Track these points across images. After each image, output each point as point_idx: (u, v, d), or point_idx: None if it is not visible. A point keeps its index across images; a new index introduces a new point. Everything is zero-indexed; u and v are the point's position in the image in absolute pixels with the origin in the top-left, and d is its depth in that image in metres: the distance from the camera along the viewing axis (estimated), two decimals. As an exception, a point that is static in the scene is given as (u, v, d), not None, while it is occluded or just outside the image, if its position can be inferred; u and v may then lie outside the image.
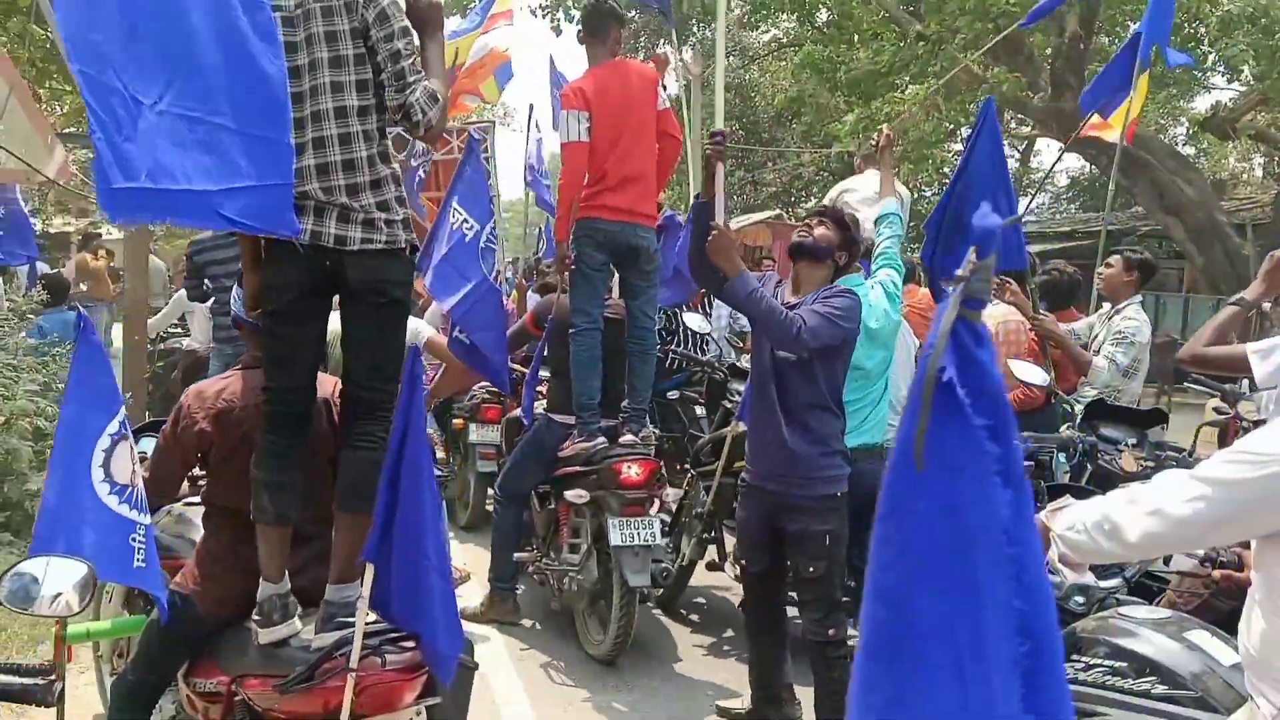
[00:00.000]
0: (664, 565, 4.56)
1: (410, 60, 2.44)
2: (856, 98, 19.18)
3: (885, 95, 19.18)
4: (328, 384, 2.65)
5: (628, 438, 4.51)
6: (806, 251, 3.52)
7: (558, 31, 18.38)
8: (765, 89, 25.49)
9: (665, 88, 4.83)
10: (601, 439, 4.44)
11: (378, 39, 2.43)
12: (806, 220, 3.69)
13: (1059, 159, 14.94)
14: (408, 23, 2.49)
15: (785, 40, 23.85)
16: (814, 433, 3.41)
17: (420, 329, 4.88)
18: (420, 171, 7.88)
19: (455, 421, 6.24)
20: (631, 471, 4.30)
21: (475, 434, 5.97)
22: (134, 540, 2.12)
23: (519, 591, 4.81)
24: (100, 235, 11.02)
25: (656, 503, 4.41)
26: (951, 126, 19.29)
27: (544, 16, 18.72)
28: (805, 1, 15.65)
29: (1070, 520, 1.83)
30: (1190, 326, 15.11)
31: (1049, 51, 15.07)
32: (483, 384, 5.65)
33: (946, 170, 24.82)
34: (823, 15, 17.61)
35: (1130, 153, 14.58)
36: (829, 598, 3.48)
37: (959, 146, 22.64)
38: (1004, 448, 0.76)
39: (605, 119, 4.45)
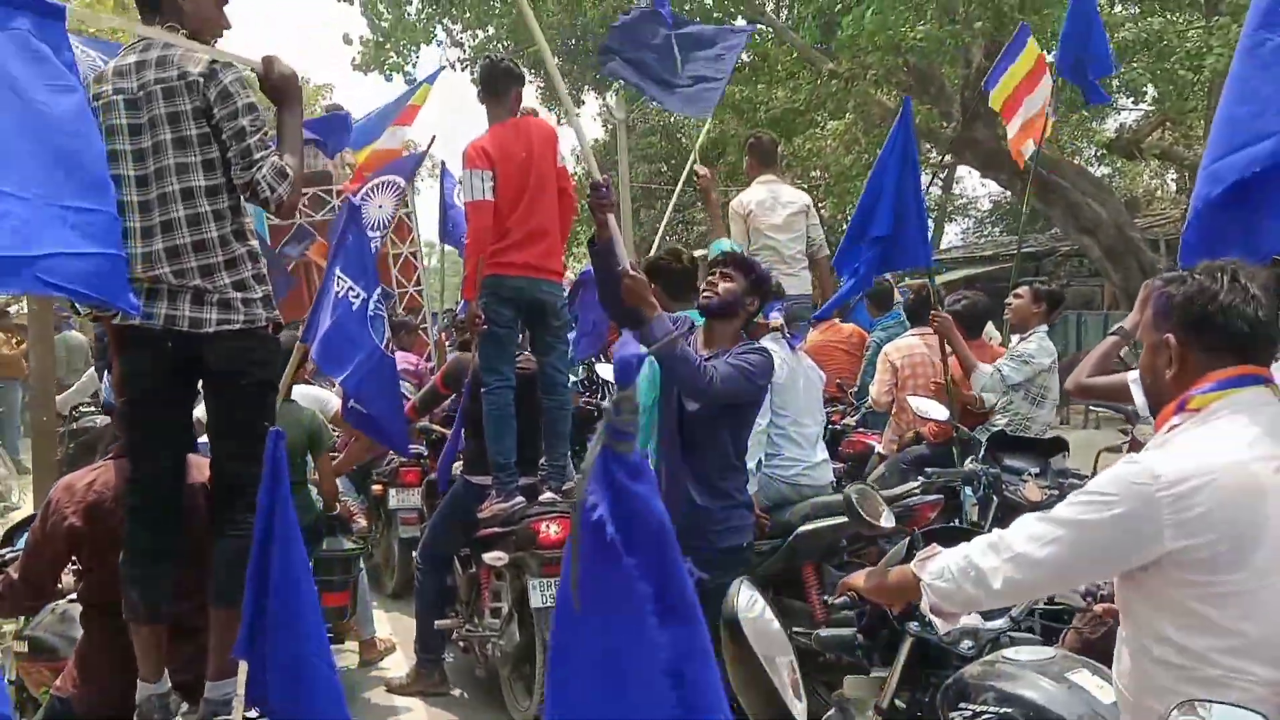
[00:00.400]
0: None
1: (256, 136, 2.42)
2: (778, 135, 19.54)
3: (805, 132, 19.60)
4: (205, 470, 2.57)
5: (547, 495, 4.47)
6: (715, 312, 3.52)
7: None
8: (690, 129, 25.80)
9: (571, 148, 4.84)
10: (519, 498, 4.39)
11: (221, 117, 2.41)
12: (710, 275, 3.64)
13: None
14: (253, 99, 2.46)
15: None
16: (717, 488, 3.40)
17: (326, 400, 4.80)
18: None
19: (375, 487, 6.15)
20: (550, 530, 4.24)
21: (395, 499, 5.89)
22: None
23: (447, 660, 4.72)
24: (8, 314, 10.72)
25: (576, 560, 4.36)
26: (869, 159, 19.71)
27: (462, 69, 18.79)
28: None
29: (938, 569, 1.83)
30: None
31: (958, 83, 15.47)
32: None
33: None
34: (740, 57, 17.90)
35: (1044, 177, 15.01)
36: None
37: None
38: (663, 584, 0.74)
39: (508, 177, 4.46)
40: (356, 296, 3.30)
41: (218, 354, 2.36)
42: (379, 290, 3.40)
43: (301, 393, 4.62)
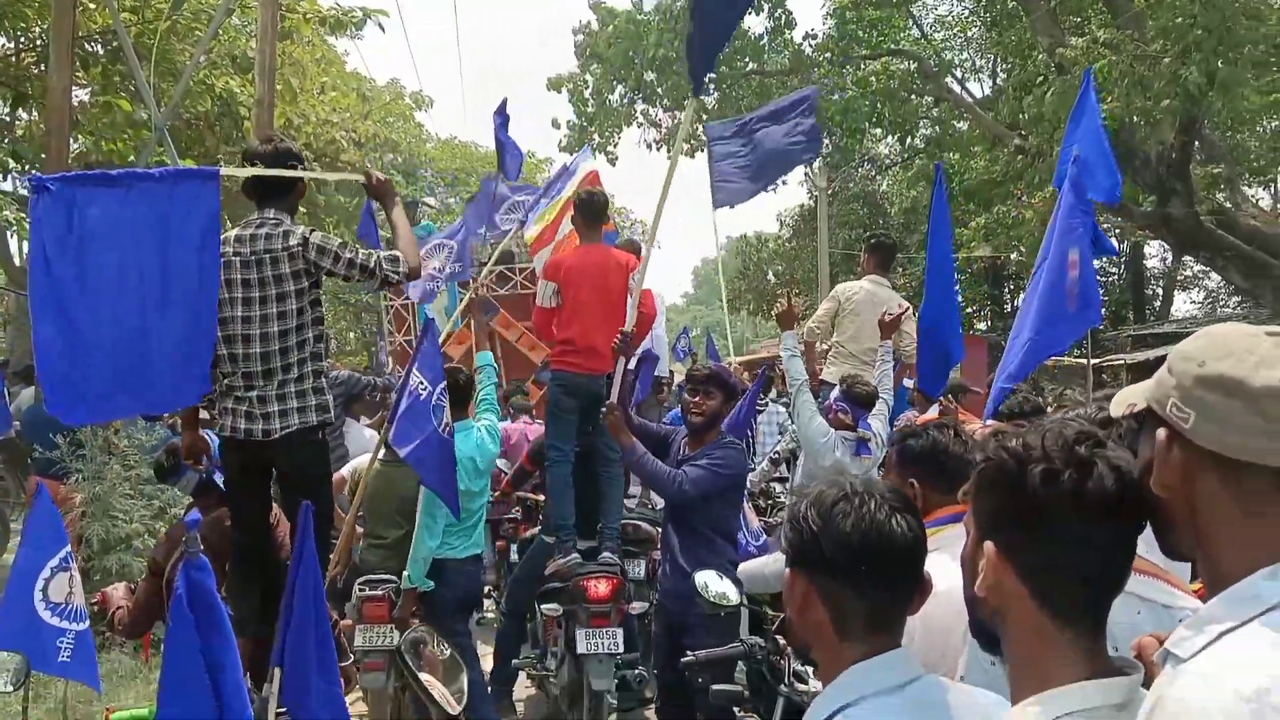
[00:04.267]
0: (638, 672, 5.16)
1: (359, 254, 3.43)
2: (976, 205, 19.48)
3: (1005, 201, 19.35)
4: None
5: (605, 555, 5.18)
6: (702, 428, 4.20)
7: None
8: (893, 197, 25.95)
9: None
10: (576, 556, 5.13)
11: (332, 266, 3.41)
12: (692, 395, 4.29)
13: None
14: (340, 240, 3.45)
15: (918, 148, 24.47)
16: (704, 561, 4.01)
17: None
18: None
19: (499, 543, 6.81)
20: (599, 588, 4.95)
21: (515, 553, 6.34)
22: (61, 642, 3.00)
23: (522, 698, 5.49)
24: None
25: (620, 615, 5.03)
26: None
27: (657, 150, 19.93)
28: (904, 122, 16.21)
29: None
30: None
31: (1154, 157, 15.01)
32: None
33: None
34: (924, 131, 18.12)
35: (1250, 254, 14.23)
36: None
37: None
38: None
39: (576, 293, 5.26)
40: (425, 389, 4.20)
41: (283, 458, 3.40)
42: (441, 385, 4.29)
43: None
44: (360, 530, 5.12)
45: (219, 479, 3.84)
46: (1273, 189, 21.64)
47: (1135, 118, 13.16)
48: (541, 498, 5.88)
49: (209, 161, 11.12)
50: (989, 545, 1.33)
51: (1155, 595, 1.76)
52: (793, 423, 6.15)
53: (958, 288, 6.48)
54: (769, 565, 4.90)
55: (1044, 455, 1.29)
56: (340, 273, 3.47)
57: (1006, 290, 25.07)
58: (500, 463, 6.09)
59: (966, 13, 21.87)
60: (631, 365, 4.41)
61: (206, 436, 3.76)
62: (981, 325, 25.86)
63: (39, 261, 2.99)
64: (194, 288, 3.19)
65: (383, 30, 14.70)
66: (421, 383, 4.20)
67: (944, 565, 1.76)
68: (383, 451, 4.69)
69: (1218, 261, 14.61)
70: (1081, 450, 1.29)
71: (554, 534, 5.18)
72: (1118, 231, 18.67)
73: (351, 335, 23.02)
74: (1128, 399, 1.37)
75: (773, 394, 9.34)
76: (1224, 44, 11.24)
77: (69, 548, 3.17)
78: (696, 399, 4.22)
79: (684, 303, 60.91)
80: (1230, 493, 1.19)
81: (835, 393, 4.93)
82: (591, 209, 5.52)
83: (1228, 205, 15.00)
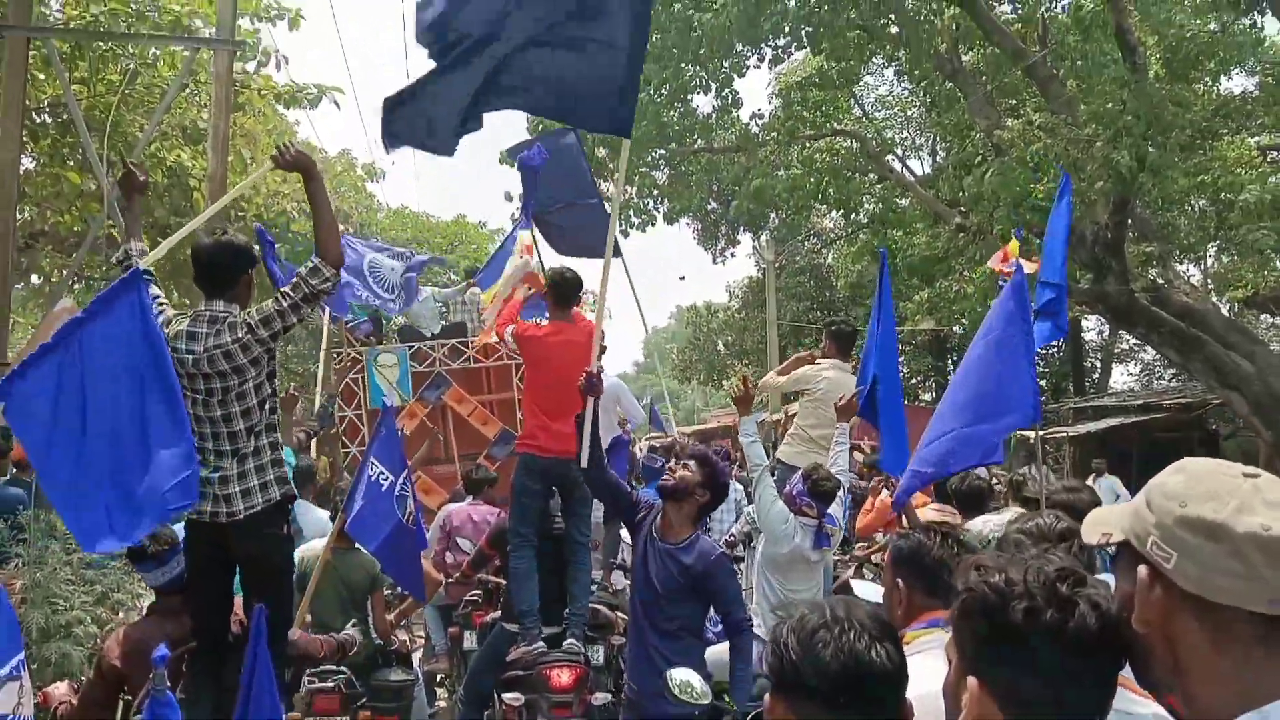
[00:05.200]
0: (601, 763, 5.05)
1: (288, 296, 3.52)
2: (920, 280, 19.95)
3: (947, 276, 19.84)
4: None
5: (569, 642, 5.11)
6: (669, 493, 4.17)
7: (625, 234, 19.85)
8: (839, 270, 26.49)
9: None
10: (541, 644, 5.05)
11: (282, 326, 3.46)
12: (675, 463, 4.33)
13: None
14: (271, 300, 3.48)
15: (862, 223, 25.08)
16: (673, 659, 3.96)
17: None
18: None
19: (451, 629, 6.51)
20: (561, 677, 4.88)
21: (469, 641, 6.03)
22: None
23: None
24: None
25: (583, 705, 4.95)
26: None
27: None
28: (849, 199, 16.62)
29: None
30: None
31: (1090, 236, 15.53)
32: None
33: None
34: (867, 207, 18.60)
35: (1183, 331, 14.70)
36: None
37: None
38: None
39: (546, 374, 5.26)
40: (386, 479, 4.16)
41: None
42: (405, 473, 4.25)
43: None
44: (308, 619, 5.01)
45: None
46: (1202, 266, 22.46)
47: (1071, 198, 13.64)
48: (504, 581, 5.80)
49: (158, 232, 10.98)
50: (972, 681, 1.35)
51: (1116, 703, 1.80)
52: (750, 504, 6.19)
53: (901, 359, 6.66)
54: (726, 652, 4.89)
55: (1026, 592, 1.33)
56: (292, 324, 3.51)
57: (950, 361, 25.61)
58: (462, 542, 6.01)
59: (906, 93, 22.64)
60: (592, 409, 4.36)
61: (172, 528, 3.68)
62: (927, 396, 26.32)
63: (34, 450, 3.27)
64: (159, 384, 3.18)
65: (338, 107, 14.80)
66: (382, 473, 4.15)
67: (926, 668, 1.81)
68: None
69: (1153, 336, 15.05)
70: (1063, 589, 1.33)
71: (517, 621, 5.11)
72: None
73: (299, 406, 22.66)
74: (1102, 527, 1.40)
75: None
76: (1153, 128, 11.76)
77: (23, 654, 3.05)
78: (675, 466, 4.21)
79: (635, 371, 61.11)
80: (1210, 634, 1.23)
81: (798, 482, 4.95)
82: (564, 288, 5.52)
83: (1160, 282, 15.50)
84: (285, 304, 3.48)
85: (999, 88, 16.40)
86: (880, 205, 18.06)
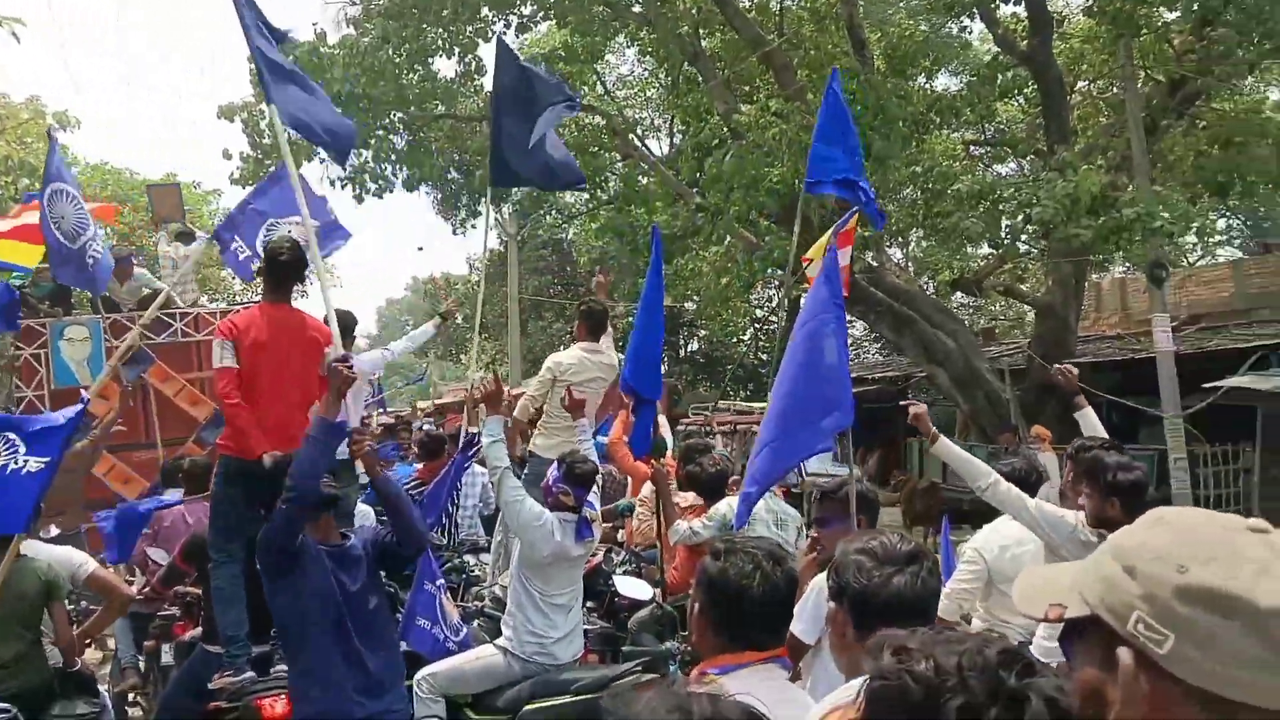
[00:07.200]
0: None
1: None
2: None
3: (685, 254, 20.35)
4: None
5: (281, 666, 4.52)
6: None
7: (360, 200, 18.74)
8: (580, 246, 26.56)
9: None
10: (250, 673, 4.43)
11: None
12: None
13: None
14: None
15: (603, 200, 25.21)
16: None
17: (81, 563, 4.81)
18: None
19: (148, 643, 5.95)
20: (275, 708, 4.29)
21: (167, 655, 5.76)
22: None
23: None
24: None
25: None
26: (749, 276, 20.61)
27: (343, 188, 18.99)
28: (594, 175, 16.55)
29: None
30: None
31: (814, 220, 16.32)
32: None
33: (760, 313, 26.23)
34: (611, 186, 18.69)
35: (896, 309, 15.78)
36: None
37: (770, 291, 24.23)
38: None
39: (255, 361, 4.58)
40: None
41: None
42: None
43: (52, 554, 4.65)
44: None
45: None
46: (906, 250, 24.36)
47: (798, 183, 14.22)
48: (200, 591, 5.09)
49: None
50: None
51: None
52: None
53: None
54: (470, 664, 4.51)
55: (961, 684, 1.02)
56: None
57: (681, 336, 26.41)
58: (154, 553, 5.25)
59: (647, 74, 22.87)
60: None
61: None
62: (661, 369, 27.03)
63: None
64: None
65: (18, 40, 12.61)
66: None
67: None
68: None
69: (870, 315, 16.03)
70: (1010, 680, 1.02)
71: (223, 645, 4.46)
72: (776, 283, 20.23)
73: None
74: (1051, 595, 1.07)
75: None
76: (880, 119, 12.39)
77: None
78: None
79: (367, 344, 58.75)
80: None
81: (554, 472, 4.60)
82: (278, 267, 4.81)
83: (874, 264, 16.51)
84: None
85: (737, 73, 16.81)
86: (622, 184, 18.14)
